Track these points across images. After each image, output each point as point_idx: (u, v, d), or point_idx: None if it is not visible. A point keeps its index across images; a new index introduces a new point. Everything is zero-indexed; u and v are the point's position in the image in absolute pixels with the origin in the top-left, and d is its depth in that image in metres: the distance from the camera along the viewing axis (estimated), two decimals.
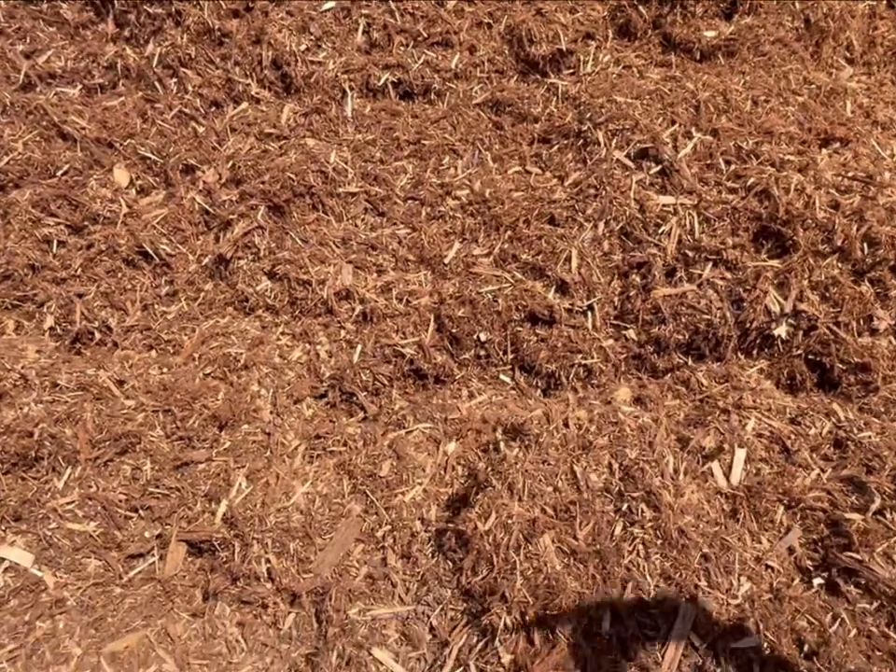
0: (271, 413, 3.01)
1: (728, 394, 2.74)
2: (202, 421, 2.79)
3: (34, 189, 3.51)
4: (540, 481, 2.32)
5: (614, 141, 3.51)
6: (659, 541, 2.09)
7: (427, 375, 3.33)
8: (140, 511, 2.65)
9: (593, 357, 3.23)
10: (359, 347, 3.32)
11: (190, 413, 2.78)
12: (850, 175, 3.20)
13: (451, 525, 2.42)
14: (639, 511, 2.15)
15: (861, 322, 2.92)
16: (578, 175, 3.53)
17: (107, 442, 2.64)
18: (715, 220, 3.22)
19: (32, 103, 3.71)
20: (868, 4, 4.00)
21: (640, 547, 2.10)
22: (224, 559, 2.56)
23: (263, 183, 3.61)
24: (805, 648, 1.88)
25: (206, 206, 3.69)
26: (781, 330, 2.95)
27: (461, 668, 2.06)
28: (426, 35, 3.96)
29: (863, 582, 1.97)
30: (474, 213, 3.61)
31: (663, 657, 1.95)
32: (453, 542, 2.35)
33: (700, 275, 3.18)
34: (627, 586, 2.03)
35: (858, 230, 3.00)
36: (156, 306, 3.56)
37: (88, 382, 2.75)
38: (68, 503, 2.55)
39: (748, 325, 3.02)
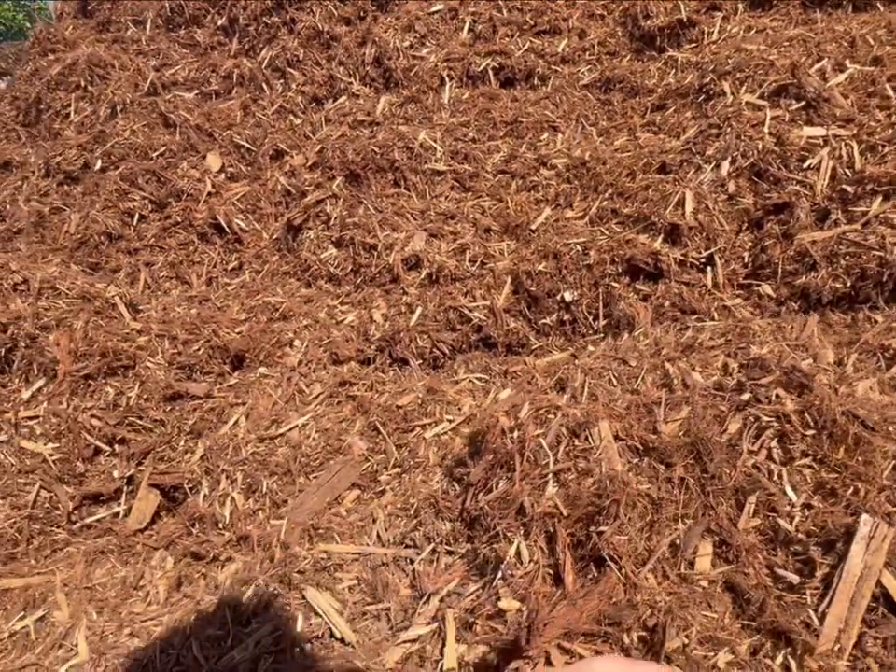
0: (299, 363, 2.51)
1: None
2: (208, 349, 2.35)
3: (126, 165, 3.54)
4: (610, 382, 1.56)
5: (743, 87, 2.90)
6: (810, 433, 1.21)
7: (497, 344, 2.69)
8: (114, 445, 2.18)
9: (713, 319, 2.42)
10: (419, 310, 2.79)
11: (196, 338, 2.35)
12: None
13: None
14: (773, 397, 1.29)
15: None
16: (697, 127, 2.92)
17: (95, 359, 2.26)
18: (883, 146, 2.43)
19: (148, 101, 3.89)
20: None
21: (774, 444, 1.23)
22: (190, 503, 1.99)
23: (345, 157, 3.38)
24: None
25: (288, 187, 3.51)
26: None
27: (434, 624, 1.26)
28: (532, 24, 3.72)
29: None
30: (571, 178, 3.09)
31: (821, 620, 1.05)
32: (465, 455, 1.61)
33: (865, 213, 2.35)
34: (747, 499, 1.17)
35: None
36: (220, 279, 3.32)
37: (92, 293, 2.44)
38: (29, 417, 2.14)
39: None
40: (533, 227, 2.98)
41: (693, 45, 3.44)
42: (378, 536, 1.58)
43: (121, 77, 3.96)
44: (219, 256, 3.40)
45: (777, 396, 1.28)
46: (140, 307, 2.58)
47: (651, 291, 2.55)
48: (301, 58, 3.96)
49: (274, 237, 3.40)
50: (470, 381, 2.25)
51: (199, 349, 2.35)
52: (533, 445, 1.38)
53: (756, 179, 2.61)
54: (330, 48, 3.97)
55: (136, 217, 3.46)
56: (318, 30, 3.95)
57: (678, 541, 1.17)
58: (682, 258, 2.56)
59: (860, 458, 1.15)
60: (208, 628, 1.42)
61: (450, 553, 1.44)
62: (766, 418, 1.25)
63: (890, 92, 2.58)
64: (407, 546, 1.52)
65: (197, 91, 4.06)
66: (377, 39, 3.82)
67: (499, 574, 1.24)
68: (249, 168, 3.75)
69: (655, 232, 2.63)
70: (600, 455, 1.30)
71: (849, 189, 2.41)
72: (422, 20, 3.87)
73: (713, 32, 3.40)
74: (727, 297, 2.49)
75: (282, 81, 3.99)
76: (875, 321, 1.97)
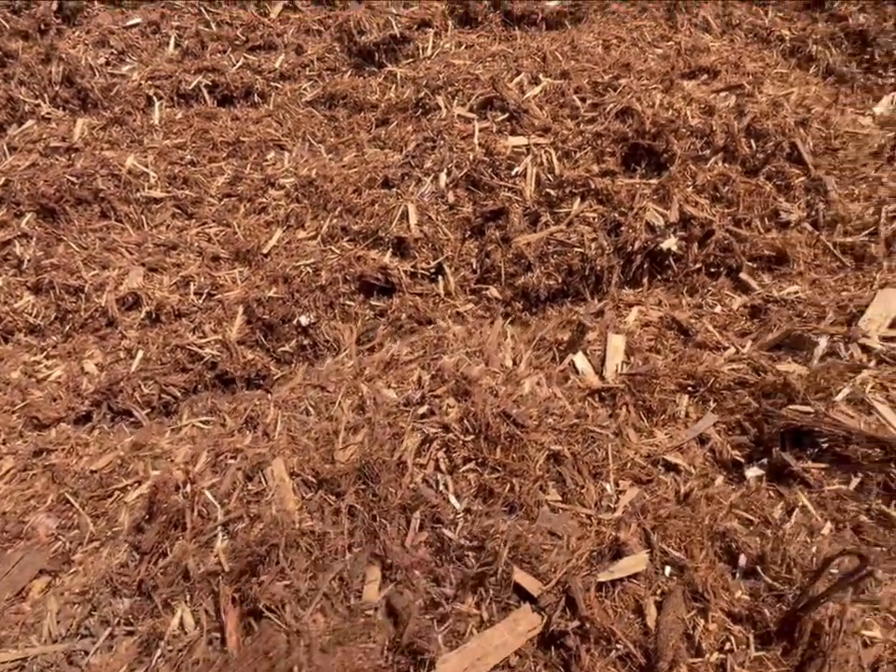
0: None
1: (606, 312, 1.97)
2: None
3: None
4: (305, 412, 1.46)
5: (455, 101, 3.00)
6: (470, 439, 1.21)
7: (236, 379, 2.47)
8: None
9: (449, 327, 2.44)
10: (141, 353, 2.48)
11: None
12: (722, 87, 2.72)
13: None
14: (444, 408, 1.28)
15: (767, 220, 2.28)
16: (417, 140, 2.96)
17: None
18: (575, 152, 2.63)
19: None
20: None
21: (441, 455, 1.22)
22: None
23: (35, 190, 2.92)
24: (743, 559, 0.99)
25: None
26: (670, 243, 2.28)
27: None
28: (244, 39, 3.55)
29: (826, 449, 1.12)
30: (300, 197, 2.96)
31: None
32: (143, 519, 1.41)
33: (568, 213, 2.52)
34: (413, 515, 1.14)
35: (739, 125, 2.45)
36: None
37: None
38: None
39: (629, 248, 2.33)
40: (265, 251, 2.81)
41: (411, 59, 3.51)
42: (49, 631, 1.31)
43: None
44: None
45: (449, 405, 1.28)
46: None
47: (386, 306, 2.51)
48: None
49: None
50: (194, 426, 2.02)
51: None
52: (204, 498, 1.24)
53: (472, 188, 2.70)
54: (6, 65, 3.44)
55: None
56: None
57: (345, 573, 1.10)
58: (413, 269, 2.56)
59: (515, 455, 1.18)
60: None
61: (130, 633, 1.24)
62: (433, 430, 1.25)
63: (578, 103, 2.82)
64: (82, 636, 1.28)
65: None
66: (64, 56, 3.39)
67: (159, 652, 1.08)
68: None
69: (384, 247, 2.61)
70: (272, 496, 1.20)
71: (553, 192, 2.58)
72: (117, 34, 3.52)
73: (427, 48, 3.50)
74: (460, 303, 2.54)
75: None
76: (571, 310, 2.10)
